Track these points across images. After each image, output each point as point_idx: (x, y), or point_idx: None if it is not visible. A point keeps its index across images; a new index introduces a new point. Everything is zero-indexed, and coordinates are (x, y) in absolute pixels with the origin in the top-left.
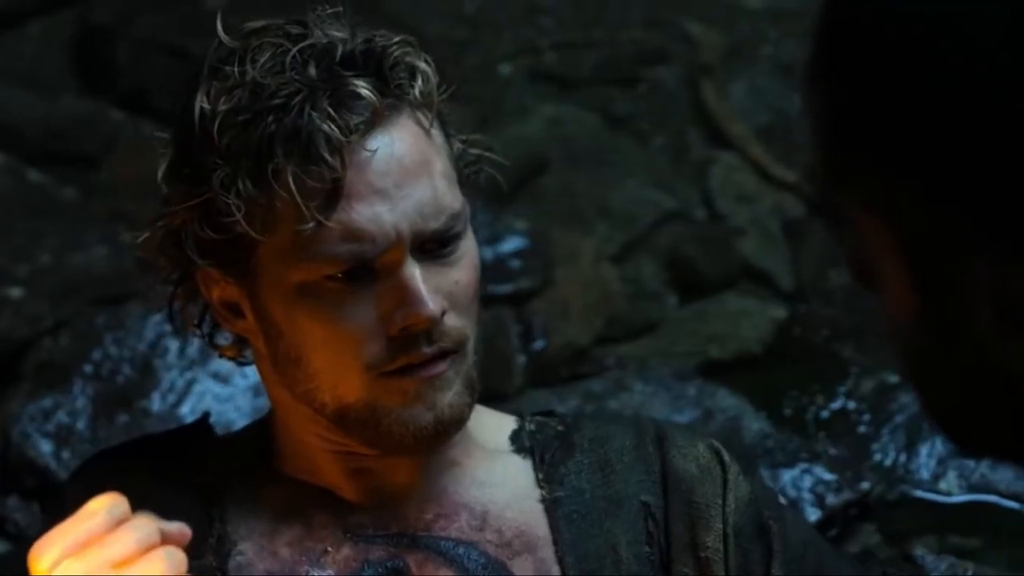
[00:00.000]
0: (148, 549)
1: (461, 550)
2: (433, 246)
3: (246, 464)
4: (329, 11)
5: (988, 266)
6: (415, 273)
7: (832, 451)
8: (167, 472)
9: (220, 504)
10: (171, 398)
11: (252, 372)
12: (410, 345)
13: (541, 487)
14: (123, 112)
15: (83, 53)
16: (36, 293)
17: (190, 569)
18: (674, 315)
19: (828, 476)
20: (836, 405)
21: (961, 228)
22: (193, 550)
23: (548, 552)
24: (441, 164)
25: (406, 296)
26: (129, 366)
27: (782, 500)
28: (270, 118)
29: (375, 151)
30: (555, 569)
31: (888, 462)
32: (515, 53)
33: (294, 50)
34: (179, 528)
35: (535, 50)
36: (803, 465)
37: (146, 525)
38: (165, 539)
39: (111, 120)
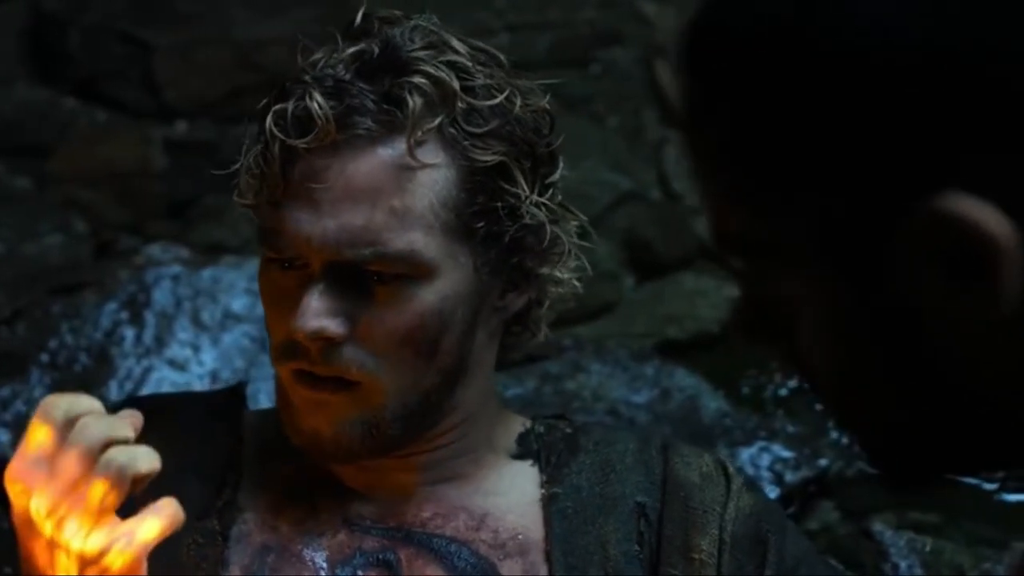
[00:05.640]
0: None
1: (453, 548)
2: (353, 274)
3: (270, 438)
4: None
5: (929, 216)
6: (317, 287)
7: (790, 429)
8: (195, 429)
9: (237, 471)
10: (128, 386)
11: (209, 359)
12: (299, 352)
13: (543, 488)
14: (76, 100)
15: (35, 41)
16: None
17: (194, 529)
18: (631, 295)
19: (786, 454)
20: (794, 383)
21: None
22: (199, 511)
23: (540, 555)
24: (400, 201)
25: (299, 305)
26: (86, 355)
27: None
28: (276, 95)
29: (327, 165)
30: (543, 570)
31: (846, 439)
32: (468, 34)
33: (342, 47)
34: (132, 414)
35: (488, 31)
36: (761, 443)
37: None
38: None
39: (64, 109)
